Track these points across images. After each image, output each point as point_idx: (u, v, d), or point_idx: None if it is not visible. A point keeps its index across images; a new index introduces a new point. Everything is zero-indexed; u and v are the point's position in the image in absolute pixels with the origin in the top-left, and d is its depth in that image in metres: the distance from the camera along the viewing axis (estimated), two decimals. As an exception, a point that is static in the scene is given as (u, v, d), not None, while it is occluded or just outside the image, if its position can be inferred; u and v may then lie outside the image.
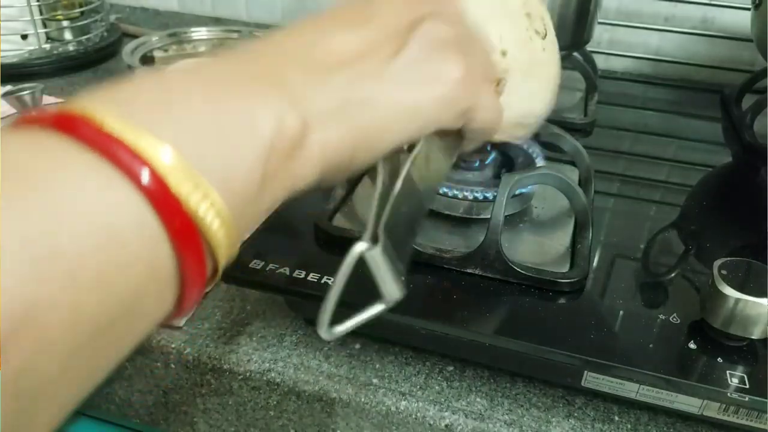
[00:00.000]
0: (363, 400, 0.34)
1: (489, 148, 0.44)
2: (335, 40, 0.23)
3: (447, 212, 0.40)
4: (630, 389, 0.32)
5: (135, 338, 0.18)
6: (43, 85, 0.51)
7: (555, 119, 0.51)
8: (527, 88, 0.35)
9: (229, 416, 0.38)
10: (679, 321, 0.33)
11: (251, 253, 0.36)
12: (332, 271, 0.35)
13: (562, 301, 0.35)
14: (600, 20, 0.60)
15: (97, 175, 0.16)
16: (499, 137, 0.34)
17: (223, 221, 0.18)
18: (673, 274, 0.38)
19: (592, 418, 0.34)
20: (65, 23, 0.73)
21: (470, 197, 0.40)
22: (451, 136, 0.28)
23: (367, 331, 0.35)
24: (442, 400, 0.34)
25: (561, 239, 0.40)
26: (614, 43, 0.76)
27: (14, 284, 0.14)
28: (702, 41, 0.73)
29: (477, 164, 0.43)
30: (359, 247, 0.22)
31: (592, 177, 0.44)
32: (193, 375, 0.37)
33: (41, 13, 0.69)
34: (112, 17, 0.82)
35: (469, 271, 0.36)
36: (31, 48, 0.70)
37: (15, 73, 0.67)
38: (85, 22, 0.74)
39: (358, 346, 0.37)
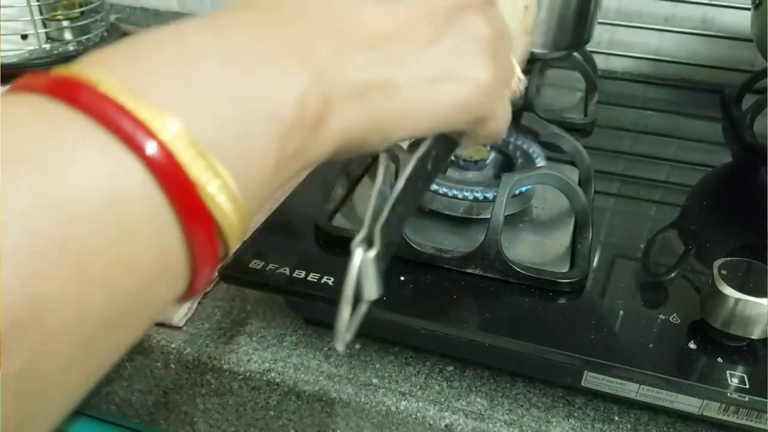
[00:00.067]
0: (363, 400, 0.34)
1: (489, 148, 0.44)
2: (367, 12, 0.21)
3: (447, 212, 0.40)
4: (630, 389, 0.32)
5: (142, 328, 0.17)
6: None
7: (555, 119, 0.51)
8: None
9: (229, 416, 0.38)
10: (679, 321, 0.33)
11: (251, 253, 0.36)
12: (332, 271, 0.35)
13: (562, 301, 0.35)
14: (600, 20, 0.60)
15: (98, 152, 0.15)
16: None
17: (236, 204, 0.17)
18: (673, 274, 0.38)
19: (592, 418, 0.34)
20: (65, 23, 0.73)
21: (470, 197, 0.39)
22: (454, 136, 0.28)
23: (367, 331, 0.35)
24: (442, 400, 0.34)
25: (561, 239, 0.40)
26: (614, 43, 0.76)
27: (15, 279, 0.13)
28: (702, 41, 0.73)
29: (477, 164, 0.43)
30: (358, 254, 0.22)
31: (592, 177, 0.44)
32: (193, 375, 0.37)
33: (41, 13, 0.69)
34: (112, 17, 0.82)
35: (469, 271, 0.36)
36: (31, 48, 0.69)
37: (15, 73, 0.66)
38: (85, 22, 0.74)
39: (358, 346, 0.37)
